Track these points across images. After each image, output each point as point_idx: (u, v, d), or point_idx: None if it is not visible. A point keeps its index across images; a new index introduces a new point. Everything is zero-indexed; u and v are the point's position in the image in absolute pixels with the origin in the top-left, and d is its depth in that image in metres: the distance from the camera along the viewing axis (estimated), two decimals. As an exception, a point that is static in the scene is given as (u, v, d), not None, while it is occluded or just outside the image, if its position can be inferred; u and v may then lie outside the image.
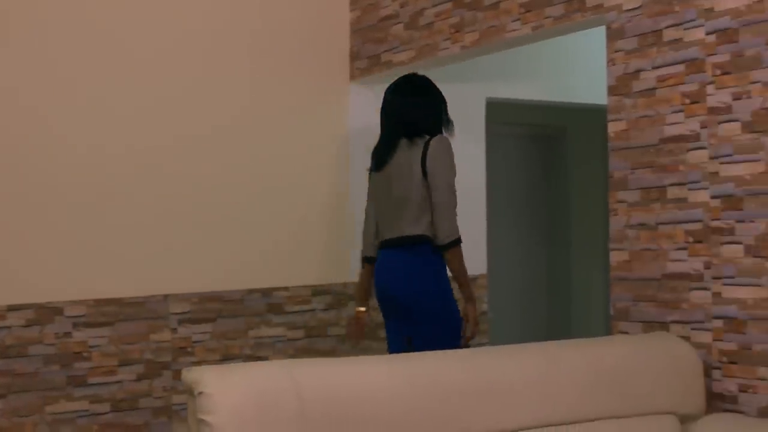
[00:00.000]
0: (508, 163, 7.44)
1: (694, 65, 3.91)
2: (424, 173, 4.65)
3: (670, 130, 4.01)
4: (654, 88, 4.08)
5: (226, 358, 5.40)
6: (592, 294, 7.65)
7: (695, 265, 3.91)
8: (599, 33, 4.50)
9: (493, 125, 6.58)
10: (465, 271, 4.67)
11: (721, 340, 3.80)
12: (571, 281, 7.65)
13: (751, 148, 3.70)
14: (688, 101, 3.94)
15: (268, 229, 5.56)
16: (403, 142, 4.76)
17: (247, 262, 5.51)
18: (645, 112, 4.11)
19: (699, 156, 3.89)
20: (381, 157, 4.88)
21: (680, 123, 3.96)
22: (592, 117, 6.75)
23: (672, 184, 4.00)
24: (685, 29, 3.95)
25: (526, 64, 6.29)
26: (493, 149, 6.79)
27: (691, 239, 3.92)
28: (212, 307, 5.39)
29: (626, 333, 4.19)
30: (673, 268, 4.00)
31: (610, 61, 4.28)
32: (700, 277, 3.89)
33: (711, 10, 3.84)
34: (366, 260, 5.07)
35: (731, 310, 3.76)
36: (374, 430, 3.12)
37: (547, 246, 7.67)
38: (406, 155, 4.73)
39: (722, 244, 3.80)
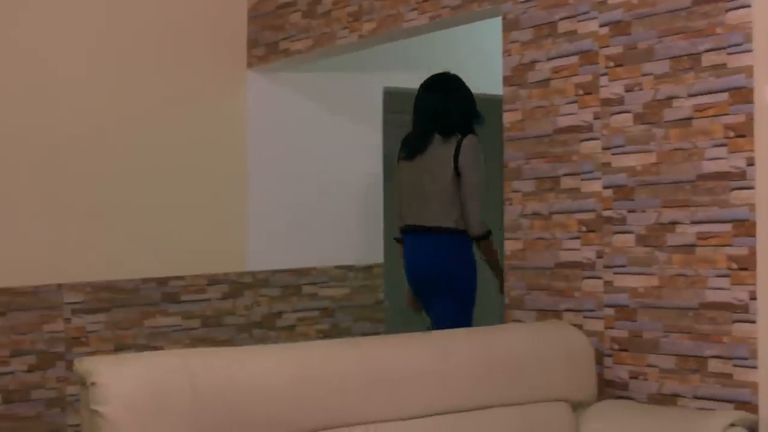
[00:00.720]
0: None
1: (588, 57, 3.96)
2: (456, 171, 5.02)
3: (564, 121, 4.06)
4: (548, 79, 4.12)
5: (121, 348, 5.34)
6: (489, 282, 7.70)
7: (588, 254, 3.96)
8: (496, 23, 4.53)
9: (390, 115, 6.58)
10: (496, 258, 5.13)
11: (613, 328, 3.86)
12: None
13: (642, 139, 3.76)
14: (581, 92, 3.99)
15: (163, 218, 5.50)
16: (437, 138, 5.10)
17: (142, 250, 5.45)
18: (539, 103, 4.16)
19: (592, 146, 3.94)
20: (414, 148, 5.20)
21: (574, 114, 4.01)
22: (490, 107, 6.78)
23: (565, 174, 4.05)
24: (579, 21, 4.00)
25: (423, 54, 6.29)
26: (391, 139, 6.78)
27: (583, 228, 3.98)
28: (106, 297, 5.32)
29: (520, 321, 4.24)
30: (566, 257, 4.06)
31: (506, 52, 4.32)
32: (592, 266, 3.94)
33: (604, 2, 3.89)
34: (398, 241, 5.44)
35: (622, 298, 3.83)
36: (267, 419, 3.11)
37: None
38: (440, 151, 5.07)
39: (614, 233, 3.86)
